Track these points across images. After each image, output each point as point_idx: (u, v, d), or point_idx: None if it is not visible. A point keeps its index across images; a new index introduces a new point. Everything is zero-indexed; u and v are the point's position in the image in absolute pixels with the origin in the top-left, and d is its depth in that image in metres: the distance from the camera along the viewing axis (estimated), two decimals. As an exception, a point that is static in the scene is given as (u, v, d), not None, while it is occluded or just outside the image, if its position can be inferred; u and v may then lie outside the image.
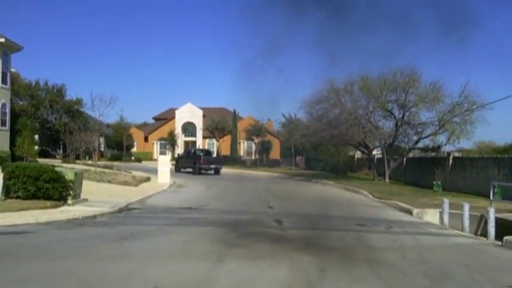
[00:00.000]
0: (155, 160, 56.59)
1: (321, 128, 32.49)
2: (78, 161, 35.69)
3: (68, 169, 15.03)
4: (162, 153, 60.10)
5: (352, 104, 31.91)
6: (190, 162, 37.75)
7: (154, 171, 28.91)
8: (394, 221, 14.02)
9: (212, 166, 38.20)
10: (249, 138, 61.61)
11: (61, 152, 45.91)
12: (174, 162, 37.57)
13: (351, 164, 43.57)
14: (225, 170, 44.79)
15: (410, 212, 15.70)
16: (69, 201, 13.34)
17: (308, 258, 8.14)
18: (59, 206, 12.73)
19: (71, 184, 13.56)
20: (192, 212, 14.32)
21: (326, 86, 32.83)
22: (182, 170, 37.76)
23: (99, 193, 16.97)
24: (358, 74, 32.09)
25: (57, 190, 13.08)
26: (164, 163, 26.42)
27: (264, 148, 58.79)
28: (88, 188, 16.10)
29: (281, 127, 57.32)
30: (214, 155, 63.44)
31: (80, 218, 11.57)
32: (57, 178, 13.16)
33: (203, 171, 37.73)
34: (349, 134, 30.65)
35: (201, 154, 40.28)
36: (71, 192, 13.51)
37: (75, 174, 13.96)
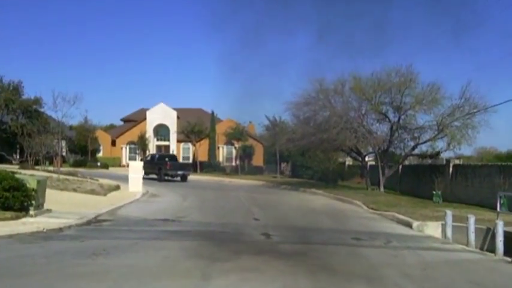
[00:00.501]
0: (124, 166, 56.36)
1: (308, 132, 32.58)
2: (37, 167, 35.17)
3: (28, 176, 14.81)
4: (132, 158, 59.76)
5: (343, 106, 32.07)
6: (155, 168, 37.96)
7: (124, 178, 28.62)
8: (393, 234, 14.12)
9: (179, 172, 38.86)
10: (228, 143, 61.58)
11: (17, 156, 45.25)
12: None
13: (342, 172, 43.80)
14: (202, 178, 44.79)
15: (409, 225, 15.82)
16: (32, 212, 13.13)
17: (302, 276, 8.14)
18: (20, 218, 12.52)
19: (33, 193, 13.35)
20: (169, 224, 14.22)
21: (314, 86, 32.91)
22: (145, 176, 37.82)
23: (64, 203, 16.75)
24: (350, 73, 32.33)
25: (18, 199, 12.86)
26: (135, 170, 26.24)
27: (246, 154, 58.86)
28: (51, 197, 15.88)
29: (264, 130, 57.29)
30: (191, 160, 63.50)
31: (45, 230, 11.41)
32: (18, 186, 12.94)
33: (169, 178, 38.39)
34: (339, 139, 30.78)
35: (167, 159, 40.79)
36: (33, 202, 13.30)
37: (38, 181, 13.76)
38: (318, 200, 26.43)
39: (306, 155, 45.28)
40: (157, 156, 43.31)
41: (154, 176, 37.91)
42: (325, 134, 30.72)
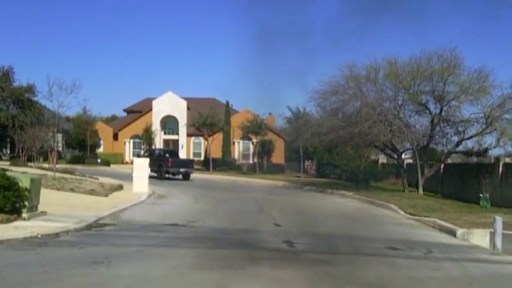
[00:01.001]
0: (127, 163, 56.83)
1: (336, 125, 32.47)
2: (30, 164, 35.62)
3: (21, 174, 14.98)
4: (136, 154, 60.17)
5: (376, 96, 31.96)
6: (155, 165, 38.54)
7: (127, 177, 28.84)
8: (434, 243, 14.03)
9: (181, 170, 39.90)
10: (245, 137, 61.73)
11: (8, 152, 45.86)
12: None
13: (375, 171, 43.66)
14: (215, 177, 44.96)
15: (453, 233, 15.70)
16: (25, 215, 13.29)
17: (331, 290, 8.12)
18: (11, 221, 12.68)
19: (27, 193, 13.49)
20: (178, 229, 14.28)
21: (344, 73, 32.84)
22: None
23: (61, 204, 16.91)
24: (384, 58, 32.11)
25: (10, 200, 13.01)
26: (141, 167, 26.39)
27: (265, 150, 58.90)
28: (46, 198, 16.06)
29: (286, 123, 57.39)
30: (202, 156, 63.75)
31: (40, 236, 11.53)
32: (9, 185, 13.08)
33: (170, 176, 39.35)
34: (372, 133, 30.66)
35: (167, 155, 41.60)
36: (26, 203, 13.45)
37: (32, 180, 13.91)
38: (348, 203, 26.36)
39: (333, 152, 45.23)
40: (156, 151, 43.98)
41: (154, 174, 38.17)
42: (356, 128, 30.59)
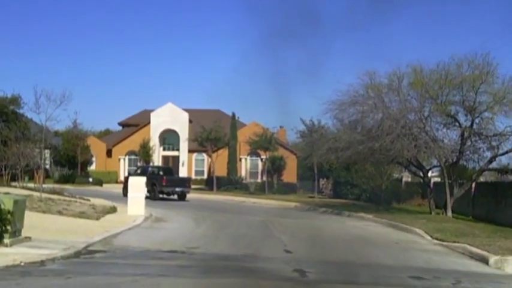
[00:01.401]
0: (122, 183, 56.77)
1: (355, 140, 32.38)
2: (14, 184, 35.74)
3: (3, 195, 15.02)
4: (128, 172, 60.20)
5: (399, 107, 31.88)
6: (148, 184, 38.44)
7: (121, 198, 28.86)
8: (464, 272, 13.94)
9: (177, 189, 40.26)
10: (253, 153, 61.80)
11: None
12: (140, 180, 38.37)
13: (398, 191, 43.51)
14: (220, 198, 44.97)
15: (485, 260, 15.59)
16: (6, 240, 13.30)
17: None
18: (-8, 247, 12.72)
19: (9, 216, 13.52)
20: (178, 257, 14.24)
21: (363, 81, 32.78)
22: None
23: (47, 229, 16.93)
24: (408, 64, 32.09)
25: (-10, 225, 13.05)
26: (136, 187, 26.43)
27: (275, 167, 58.90)
28: (31, 221, 16.06)
29: (299, 138, 57.32)
30: (205, 173, 63.78)
31: (23, 264, 11.53)
32: (-10, 208, 13.13)
33: (164, 196, 39.74)
34: (395, 148, 30.55)
35: (161, 173, 41.99)
36: (8, 227, 13.46)
37: (15, 202, 13.93)
38: (367, 227, 26.27)
39: (351, 169, 45.09)
40: (149, 169, 44.11)
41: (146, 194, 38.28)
42: (377, 142, 30.51)
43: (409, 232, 23.53)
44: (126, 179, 42.45)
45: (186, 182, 42.77)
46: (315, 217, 31.07)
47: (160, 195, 39.53)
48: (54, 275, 10.86)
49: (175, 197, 40.37)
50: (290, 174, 61.06)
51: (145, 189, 26.93)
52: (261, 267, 13.07)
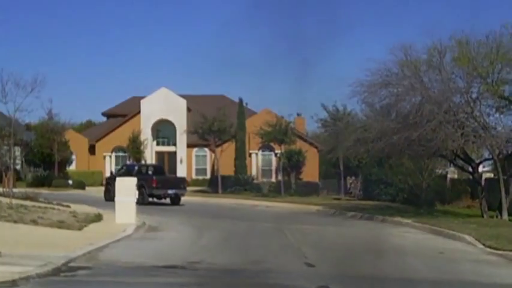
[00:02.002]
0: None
1: (388, 129, 32.29)
2: (-22, 188, 35.83)
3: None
4: (110, 172, 60.03)
5: (442, 87, 31.74)
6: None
7: (107, 203, 28.87)
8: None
9: (169, 192, 40.47)
10: (266, 147, 61.58)
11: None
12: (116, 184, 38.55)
13: (442, 190, 43.38)
14: (226, 201, 44.96)
15: (549, 273, 15.51)
16: (-29, 257, 13.34)
17: None
18: (-47, 265, 12.75)
19: (-27, 227, 13.58)
20: (177, 273, 14.25)
21: (397, 57, 32.68)
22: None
23: (19, 242, 16.93)
24: (452, 36, 31.93)
25: (-49, 238, 13.09)
26: (125, 190, 26.41)
27: (293, 163, 58.70)
28: (0, 233, 16.12)
29: (320, 127, 57.23)
30: (208, 172, 63.68)
31: (-10, 285, 11.56)
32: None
33: (154, 200, 39.86)
34: (437, 138, 30.44)
35: (150, 172, 42.41)
36: (-28, 241, 13.51)
37: (-20, 210, 14.00)
38: (405, 234, 26.18)
39: (384, 165, 44.93)
40: (136, 167, 43.99)
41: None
42: (415, 131, 30.39)
43: (456, 239, 23.42)
44: (109, 180, 42.62)
45: (180, 183, 42.89)
46: (341, 223, 30.98)
47: (150, 199, 39.60)
48: (29, 297, 10.91)
49: (168, 200, 40.51)
50: (311, 172, 60.75)
51: (136, 192, 26.88)
52: (277, 285, 13.05)
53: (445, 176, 46.31)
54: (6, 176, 34.82)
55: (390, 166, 44.31)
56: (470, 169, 35.00)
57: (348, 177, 52.59)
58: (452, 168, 44.17)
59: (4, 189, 32.92)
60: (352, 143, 35.77)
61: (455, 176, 45.77)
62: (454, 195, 43.35)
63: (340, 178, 51.07)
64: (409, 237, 25.05)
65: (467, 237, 23.03)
